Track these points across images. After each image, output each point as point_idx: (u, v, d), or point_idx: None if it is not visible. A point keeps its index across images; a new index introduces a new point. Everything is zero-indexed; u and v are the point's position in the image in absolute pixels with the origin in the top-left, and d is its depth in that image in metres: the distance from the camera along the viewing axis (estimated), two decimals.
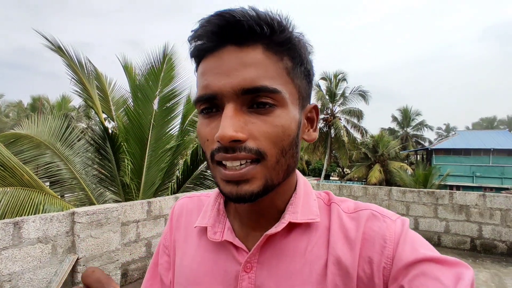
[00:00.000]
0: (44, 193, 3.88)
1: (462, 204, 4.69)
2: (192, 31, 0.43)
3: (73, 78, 4.86)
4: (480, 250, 4.61)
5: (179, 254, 0.55)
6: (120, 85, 6.44)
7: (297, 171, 0.52)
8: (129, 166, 5.26)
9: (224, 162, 0.40)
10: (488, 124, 43.61)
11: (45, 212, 3.58)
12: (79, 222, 2.56)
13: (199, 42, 0.43)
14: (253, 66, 0.40)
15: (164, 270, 0.58)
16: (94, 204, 5.30)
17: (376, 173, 21.11)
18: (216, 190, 0.55)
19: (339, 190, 5.88)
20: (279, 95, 0.41)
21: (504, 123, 41.23)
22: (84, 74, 5.13)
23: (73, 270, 2.54)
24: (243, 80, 0.39)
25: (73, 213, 2.60)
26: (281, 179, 0.43)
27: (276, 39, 0.42)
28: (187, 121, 6.25)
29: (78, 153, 5.60)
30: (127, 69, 6.18)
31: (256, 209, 0.47)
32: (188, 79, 5.85)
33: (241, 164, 0.40)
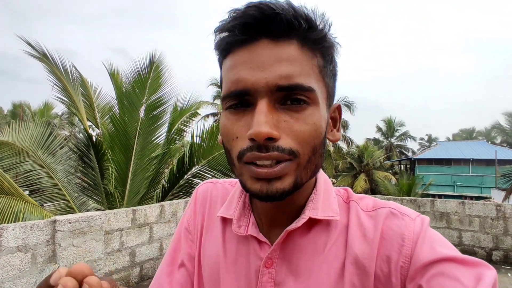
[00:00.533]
0: (24, 201, 3.77)
1: (443, 211, 4.82)
2: (220, 21, 0.41)
3: (56, 84, 4.78)
4: None
5: (204, 241, 0.55)
6: (106, 92, 6.37)
7: None
8: (114, 174, 5.17)
9: (254, 161, 0.39)
10: (468, 135, 45.07)
11: (25, 221, 3.47)
12: (61, 231, 2.50)
13: (228, 34, 0.41)
14: (289, 62, 0.39)
15: (187, 255, 0.57)
16: (75, 213, 5.16)
17: (361, 183, 21.39)
18: None
19: None
20: (312, 93, 0.40)
21: (482, 134, 42.68)
22: (68, 81, 5.05)
23: None
24: (279, 77, 0.38)
25: (54, 221, 2.54)
26: (308, 178, 0.43)
27: (312, 35, 0.41)
28: (173, 130, 6.22)
29: (61, 161, 5.48)
30: (113, 76, 6.13)
31: (277, 206, 0.46)
32: (175, 87, 5.86)
33: (275, 162, 0.39)
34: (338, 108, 0.50)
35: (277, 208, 0.47)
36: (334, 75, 0.46)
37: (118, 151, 5.22)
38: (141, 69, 5.50)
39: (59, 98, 4.91)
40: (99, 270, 2.76)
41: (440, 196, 23.72)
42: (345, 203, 0.50)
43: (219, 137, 0.46)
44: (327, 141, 0.46)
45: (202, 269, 0.53)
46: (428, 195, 20.92)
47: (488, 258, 4.56)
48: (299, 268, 0.45)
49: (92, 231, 2.71)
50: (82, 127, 5.15)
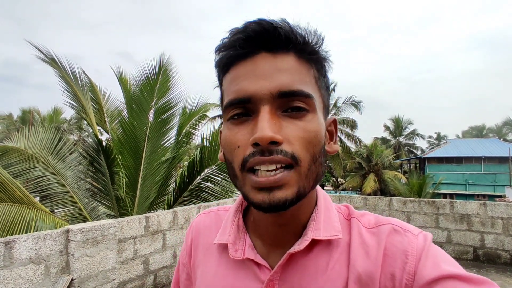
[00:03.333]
0: (35, 209, 3.72)
1: (463, 213, 4.65)
2: (221, 40, 0.43)
3: (66, 89, 4.75)
4: (483, 260, 4.56)
5: (199, 272, 0.54)
6: (114, 97, 6.38)
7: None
8: (124, 179, 5.13)
9: (257, 167, 0.39)
10: (478, 132, 44.31)
11: (37, 229, 3.41)
12: (74, 240, 2.43)
13: (229, 50, 0.43)
14: (288, 71, 0.41)
15: (185, 286, 0.59)
16: (86, 218, 5.13)
17: (370, 183, 21.13)
18: (234, 204, 0.55)
19: (339, 200, 5.81)
20: (311, 100, 0.42)
21: (493, 131, 41.91)
22: (78, 86, 5.03)
23: None
24: (280, 84, 0.40)
25: (67, 231, 2.46)
26: (311, 188, 0.43)
27: (308, 48, 0.43)
28: (182, 133, 6.20)
29: (70, 166, 5.48)
30: (121, 80, 6.12)
31: (280, 222, 0.46)
32: (183, 90, 5.81)
33: (275, 169, 0.39)
34: (334, 122, 0.51)
35: (280, 226, 0.46)
36: (327, 88, 0.48)
37: (128, 155, 5.18)
38: (150, 73, 5.46)
39: (69, 103, 4.88)
40: (113, 280, 2.68)
41: (451, 195, 23.35)
42: (346, 220, 0.50)
43: (220, 154, 0.47)
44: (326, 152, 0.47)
45: None
46: (439, 194, 20.60)
47: None
48: None
49: (105, 240, 2.63)
50: (91, 131, 5.11)
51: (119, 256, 2.90)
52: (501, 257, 4.45)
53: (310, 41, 0.43)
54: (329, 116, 0.50)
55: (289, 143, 0.39)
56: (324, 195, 0.51)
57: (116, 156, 5.05)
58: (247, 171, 0.40)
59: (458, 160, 25.11)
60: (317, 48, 0.44)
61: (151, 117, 5.44)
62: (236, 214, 0.53)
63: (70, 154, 5.60)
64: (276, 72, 0.41)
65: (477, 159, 24.46)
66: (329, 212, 0.48)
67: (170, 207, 5.68)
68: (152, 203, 5.63)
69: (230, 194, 6.18)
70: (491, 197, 20.99)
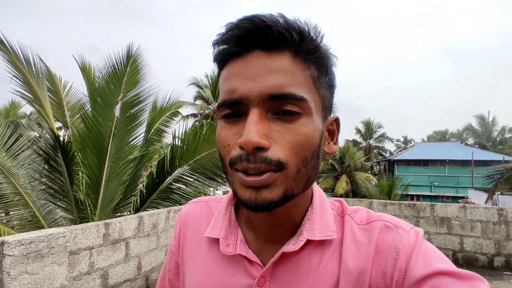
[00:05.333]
0: None
1: (443, 216, 4.61)
2: (217, 35, 0.43)
3: (15, 76, 4.17)
4: (462, 264, 4.53)
5: (188, 265, 0.54)
6: (76, 89, 5.86)
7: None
8: (84, 180, 4.65)
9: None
10: (441, 136, 46.80)
11: None
12: (10, 255, 1.97)
13: (224, 46, 0.43)
14: (281, 72, 0.40)
15: (173, 274, 0.59)
16: (41, 223, 4.60)
17: (343, 184, 21.48)
18: (226, 196, 0.54)
19: None
20: (305, 104, 0.41)
21: (455, 136, 44.41)
22: (31, 73, 4.46)
23: None
24: (271, 86, 0.39)
25: (2, 243, 2.00)
26: (301, 190, 0.43)
27: (305, 47, 0.42)
28: (152, 130, 5.82)
29: (23, 164, 4.91)
30: (85, 71, 5.63)
31: (272, 221, 0.46)
32: (155, 84, 5.43)
33: (261, 173, 0.39)
34: (336, 121, 0.50)
35: (272, 224, 0.46)
36: (330, 87, 0.46)
37: (91, 153, 4.71)
38: (117, 63, 5.01)
39: (18, 92, 4.30)
40: None
41: (418, 196, 24.34)
42: (339, 216, 0.50)
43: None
44: (322, 153, 0.46)
45: None
46: (407, 196, 21.34)
47: (490, 265, 4.39)
48: (293, 286, 0.45)
49: (53, 252, 2.19)
50: (47, 126, 4.57)
51: (70, 271, 2.45)
52: (479, 260, 4.45)
53: (308, 39, 0.42)
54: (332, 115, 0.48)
55: (278, 147, 0.39)
56: (320, 193, 0.50)
57: (76, 153, 4.55)
58: (235, 170, 0.40)
59: (425, 162, 26.24)
60: (316, 46, 0.42)
61: (117, 112, 5.01)
62: (228, 207, 0.52)
63: (23, 151, 5.05)
64: (268, 73, 0.40)
65: (442, 162, 25.68)
66: (324, 211, 0.48)
67: (137, 210, 5.26)
68: (118, 206, 5.18)
69: (203, 196, 5.88)
70: (454, 199, 22.06)
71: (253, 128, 0.37)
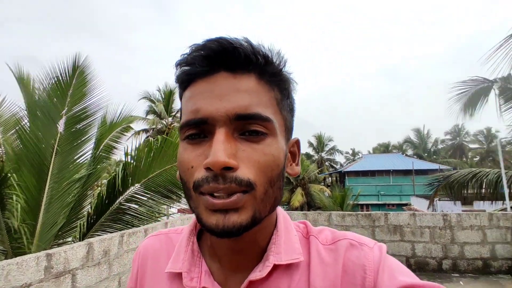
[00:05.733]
0: None
1: (396, 224, 4.87)
2: (182, 55, 0.43)
3: None
4: (414, 269, 4.78)
5: None
6: (11, 101, 5.26)
7: None
8: (20, 204, 4.10)
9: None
10: (385, 148, 50.39)
11: None
12: None
13: (189, 67, 0.42)
14: (247, 92, 0.40)
15: None
16: None
17: (298, 197, 21.90)
18: (188, 226, 0.52)
19: None
20: (270, 124, 0.41)
21: (396, 148, 48.15)
22: None
23: None
24: (238, 106, 0.39)
25: None
26: (268, 213, 0.42)
27: (269, 69, 0.43)
28: (101, 146, 5.38)
29: None
30: (22, 81, 5.07)
31: (238, 248, 0.45)
32: (104, 97, 5.07)
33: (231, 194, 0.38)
34: (297, 143, 0.50)
35: (237, 252, 0.45)
36: (291, 110, 0.47)
37: (28, 174, 4.19)
38: (61, 74, 4.60)
39: None
40: None
41: (367, 205, 25.77)
42: (305, 238, 0.49)
43: (177, 174, 0.45)
44: (286, 174, 0.46)
45: None
46: (357, 205, 22.44)
47: (439, 268, 4.69)
48: None
49: None
50: None
51: None
52: (430, 264, 4.74)
53: (272, 62, 0.43)
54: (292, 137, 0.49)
55: (245, 167, 0.38)
56: (284, 216, 0.50)
57: (10, 174, 4.02)
58: (201, 193, 0.39)
59: (372, 173, 27.97)
60: (279, 70, 0.44)
61: (61, 127, 4.57)
62: (190, 238, 0.50)
63: None
64: (235, 93, 0.40)
65: (387, 172, 27.59)
66: (289, 234, 0.47)
67: (84, 235, 4.76)
68: (60, 231, 4.64)
69: (157, 216, 5.58)
70: (399, 206, 23.71)
71: (221, 147, 0.37)
